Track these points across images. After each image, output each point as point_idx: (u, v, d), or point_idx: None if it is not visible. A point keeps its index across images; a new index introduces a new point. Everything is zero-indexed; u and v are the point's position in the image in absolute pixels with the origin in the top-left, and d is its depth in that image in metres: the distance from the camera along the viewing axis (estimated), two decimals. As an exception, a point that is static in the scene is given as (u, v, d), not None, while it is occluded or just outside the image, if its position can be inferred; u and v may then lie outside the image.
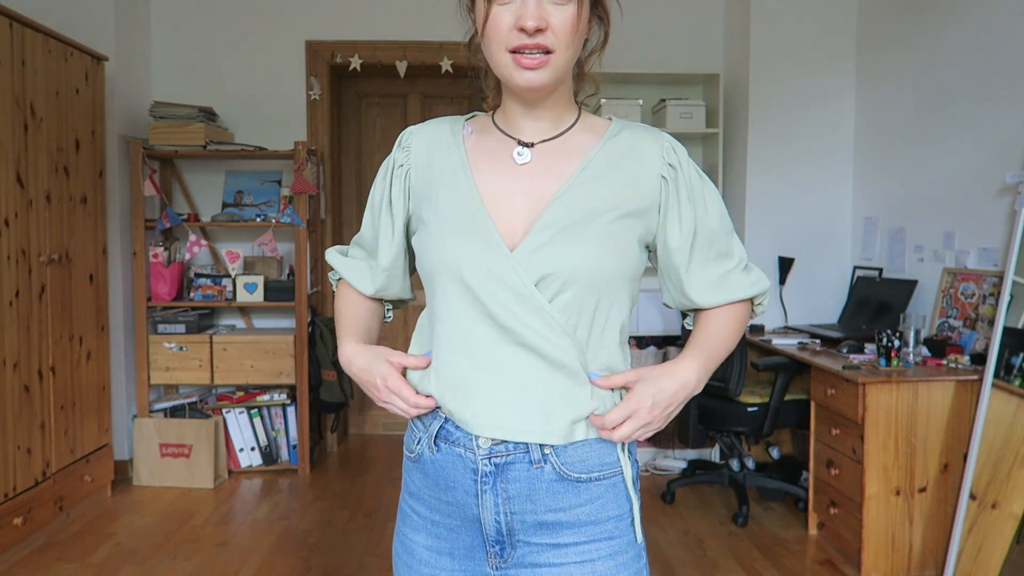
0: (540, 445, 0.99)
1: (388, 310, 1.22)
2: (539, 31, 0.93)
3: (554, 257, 0.98)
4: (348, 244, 1.23)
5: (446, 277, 1.01)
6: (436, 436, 1.04)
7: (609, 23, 1.05)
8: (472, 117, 1.12)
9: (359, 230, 1.20)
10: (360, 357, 1.08)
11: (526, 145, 1.03)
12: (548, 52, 0.95)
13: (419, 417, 1.07)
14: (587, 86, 1.10)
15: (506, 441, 0.99)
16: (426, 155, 1.07)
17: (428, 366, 1.02)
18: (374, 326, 1.16)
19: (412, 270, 1.17)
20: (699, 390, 1.04)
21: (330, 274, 1.23)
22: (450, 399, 1.02)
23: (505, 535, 1.02)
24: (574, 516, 1.00)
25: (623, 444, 1.03)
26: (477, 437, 1.00)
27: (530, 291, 0.97)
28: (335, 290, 1.23)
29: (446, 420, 1.04)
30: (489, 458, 1.00)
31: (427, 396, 1.03)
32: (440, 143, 1.07)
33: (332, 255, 1.20)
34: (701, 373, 1.03)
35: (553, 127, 1.04)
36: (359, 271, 1.16)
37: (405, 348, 1.17)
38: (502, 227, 1.00)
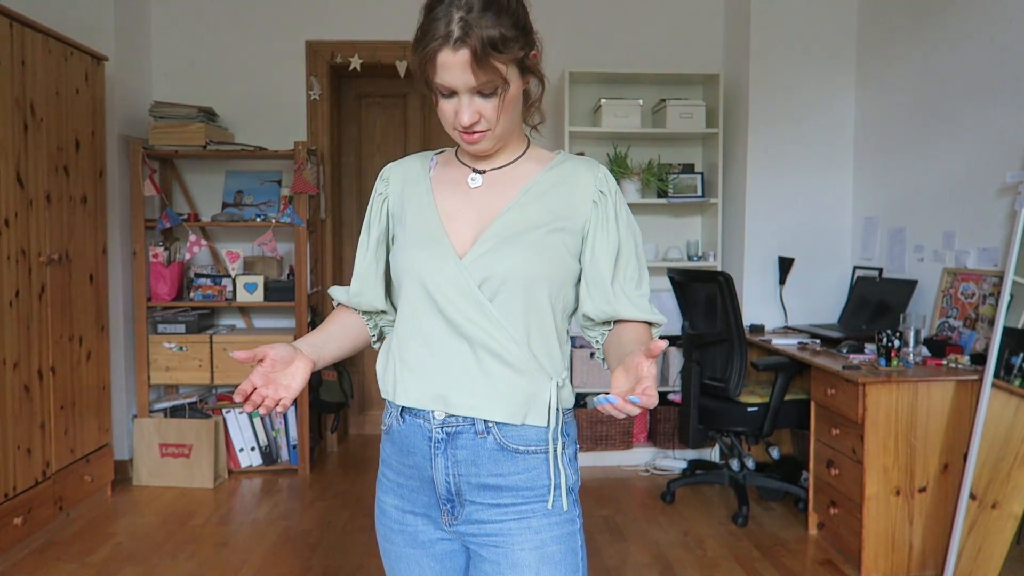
0: (484, 420, 1.17)
1: (373, 340, 1.37)
2: (474, 123, 1.16)
3: (494, 263, 1.17)
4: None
5: (409, 280, 1.21)
6: (403, 410, 1.23)
7: (543, 80, 1.24)
8: (441, 152, 1.34)
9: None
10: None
11: (479, 172, 1.25)
12: (485, 132, 1.17)
13: (387, 396, 1.26)
14: (534, 115, 1.28)
15: (454, 415, 1.18)
16: (401, 184, 1.30)
17: (256, 359, 1.15)
18: (329, 342, 1.29)
19: (387, 282, 1.35)
20: None
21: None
22: (408, 379, 1.21)
23: (454, 494, 1.20)
24: (512, 481, 1.19)
25: (556, 426, 1.19)
26: (432, 411, 1.19)
27: (473, 291, 1.16)
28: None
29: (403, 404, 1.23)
30: (442, 427, 1.19)
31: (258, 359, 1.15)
32: (412, 174, 1.30)
33: (333, 290, 1.38)
34: None
35: (503, 159, 1.26)
36: (339, 289, 1.37)
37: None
38: (454, 239, 1.20)
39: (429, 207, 1.25)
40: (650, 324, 1.27)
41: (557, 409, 1.19)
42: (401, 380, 1.22)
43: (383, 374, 1.27)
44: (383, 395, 1.27)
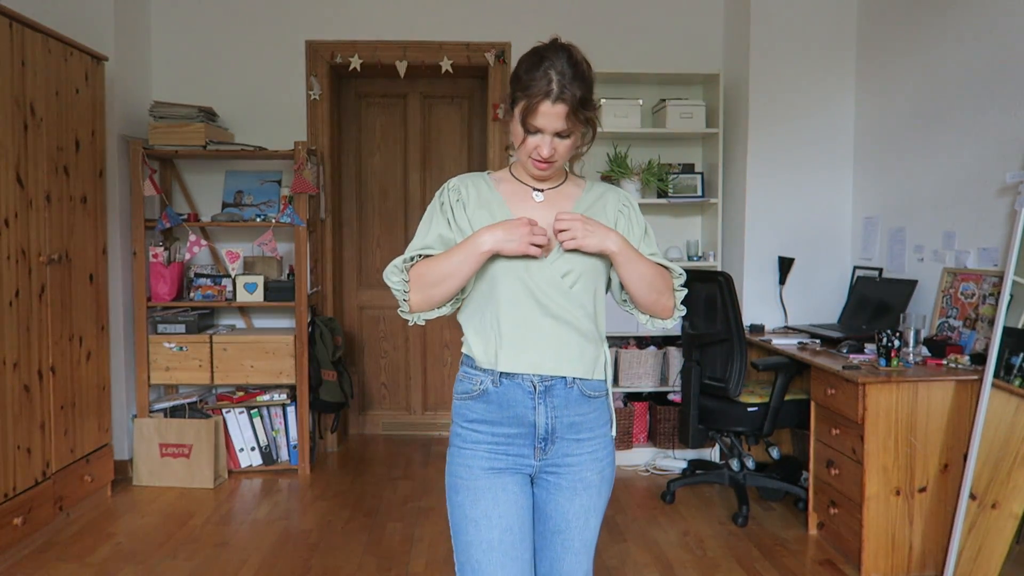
0: (573, 376, 1.56)
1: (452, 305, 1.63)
2: (550, 156, 1.52)
3: (572, 260, 1.54)
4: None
5: (506, 275, 1.53)
6: (500, 375, 1.54)
7: (595, 127, 1.58)
8: (489, 173, 1.66)
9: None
10: (497, 224, 1.51)
11: (540, 191, 1.61)
12: (554, 163, 1.54)
13: (480, 368, 1.56)
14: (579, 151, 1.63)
15: (550, 375, 1.54)
16: (475, 195, 1.59)
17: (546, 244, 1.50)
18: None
19: None
20: (615, 251, 1.52)
21: (392, 278, 1.58)
22: (508, 351, 1.53)
23: (549, 432, 1.56)
24: (588, 419, 1.59)
25: (608, 381, 1.64)
26: (531, 374, 1.54)
27: (560, 282, 1.54)
28: (406, 297, 1.58)
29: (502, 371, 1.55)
30: (542, 383, 1.54)
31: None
32: (481, 189, 1.60)
33: (398, 264, 1.58)
34: (623, 245, 1.53)
35: (554, 182, 1.63)
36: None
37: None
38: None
39: (508, 216, 1.55)
40: (671, 273, 1.63)
41: (608, 364, 1.64)
42: (504, 353, 1.53)
43: (483, 348, 1.56)
44: (484, 364, 1.56)
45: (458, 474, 1.58)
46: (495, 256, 1.51)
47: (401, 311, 1.61)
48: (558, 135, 1.49)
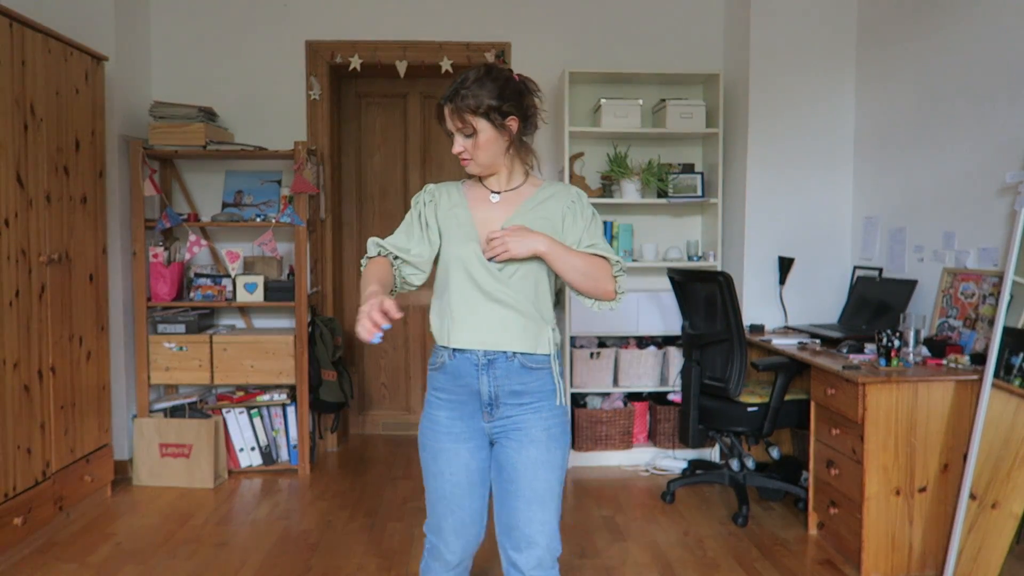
0: (512, 351, 1.80)
1: (394, 291, 1.86)
2: (460, 153, 1.82)
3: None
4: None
5: (455, 266, 1.81)
6: (454, 351, 1.81)
7: (526, 116, 1.84)
8: (464, 181, 1.95)
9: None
10: (373, 292, 1.67)
11: (496, 192, 1.88)
12: (468, 160, 1.83)
13: (444, 346, 1.83)
14: (530, 158, 1.91)
15: (492, 350, 1.80)
16: (447, 198, 1.89)
17: (398, 317, 1.63)
18: (389, 283, 1.81)
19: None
20: (543, 252, 1.74)
21: (364, 258, 1.88)
22: (459, 330, 1.80)
23: (493, 399, 1.81)
24: (530, 387, 1.82)
25: (552, 356, 1.86)
26: (477, 349, 1.80)
27: (498, 274, 1.79)
28: (363, 268, 1.85)
29: (455, 347, 1.81)
30: (484, 357, 1.80)
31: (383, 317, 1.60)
32: (452, 193, 1.90)
33: (373, 243, 1.87)
34: (551, 245, 1.75)
35: (507, 184, 1.89)
36: (378, 241, 1.88)
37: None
38: (483, 237, 1.80)
39: (467, 217, 1.85)
40: (608, 261, 1.83)
41: (552, 342, 1.85)
42: (454, 332, 1.80)
43: (440, 328, 1.84)
44: (439, 342, 1.84)
45: (424, 435, 1.88)
46: (449, 251, 1.83)
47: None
48: (462, 134, 1.79)
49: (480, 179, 1.90)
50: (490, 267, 1.78)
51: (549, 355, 1.84)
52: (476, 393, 1.81)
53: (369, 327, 1.57)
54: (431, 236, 1.86)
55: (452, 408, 1.84)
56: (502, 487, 1.83)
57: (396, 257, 1.86)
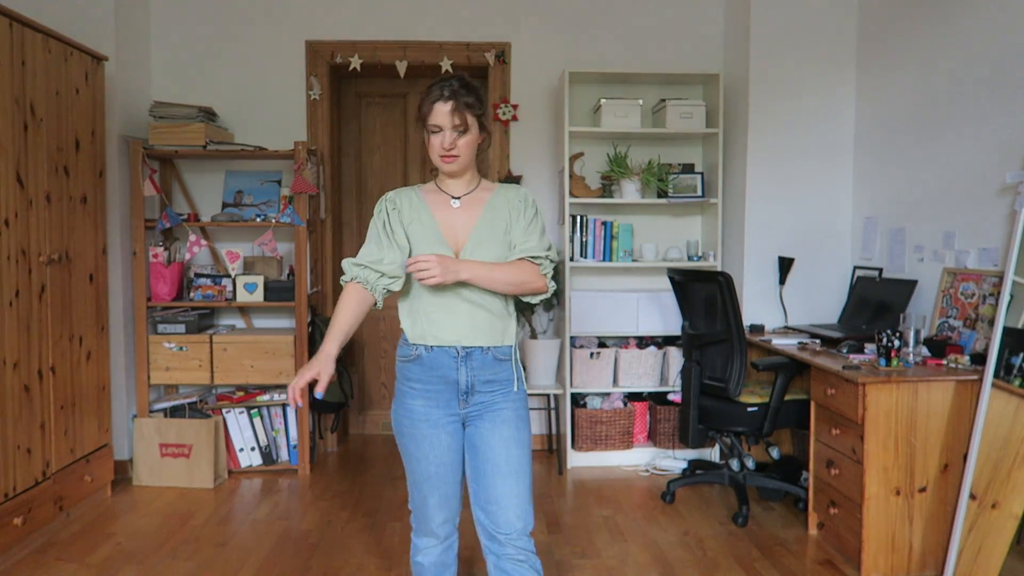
0: (485, 345, 1.98)
1: (378, 304, 2.02)
2: (451, 149, 1.93)
3: (479, 255, 1.95)
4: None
5: None
6: (430, 347, 1.96)
7: (490, 134, 2.05)
8: (420, 187, 2.07)
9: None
10: (321, 356, 1.89)
11: (457, 198, 2.02)
12: (456, 156, 1.95)
13: (417, 341, 1.98)
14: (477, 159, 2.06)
15: (469, 345, 1.97)
16: (408, 205, 2.01)
17: (326, 380, 1.86)
18: (354, 327, 1.99)
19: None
20: (468, 278, 1.89)
21: (343, 278, 2.02)
22: (435, 330, 1.97)
23: (469, 387, 1.98)
24: (499, 376, 2.00)
25: (514, 347, 2.04)
26: (454, 345, 1.96)
27: None
28: (343, 287, 2.01)
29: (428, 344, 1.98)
30: (461, 350, 1.96)
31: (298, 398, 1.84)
32: (412, 200, 2.02)
33: (348, 265, 2.00)
34: (474, 269, 1.90)
35: (466, 188, 2.04)
36: (352, 264, 2.00)
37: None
38: (450, 241, 1.98)
39: (431, 222, 1.98)
40: (535, 261, 2.00)
41: (514, 334, 2.05)
42: (429, 331, 1.96)
43: (412, 328, 1.99)
44: (413, 340, 1.98)
45: (402, 423, 2.01)
46: (416, 253, 1.96)
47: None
48: (457, 131, 1.92)
49: (437, 184, 2.05)
50: None
51: (512, 346, 2.04)
52: (454, 382, 1.97)
53: (291, 400, 1.81)
54: (399, 241, 1.98)
55: (427, 397, 1.98)
56: (478, 466, 1.98)
57: (374, 271, 1.97)
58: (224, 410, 4.02)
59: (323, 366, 1.84)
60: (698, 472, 3.76)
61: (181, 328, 3.95)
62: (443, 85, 1.92)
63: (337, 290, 4.65)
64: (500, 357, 2.00)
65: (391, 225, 1.98)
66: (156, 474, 3.85)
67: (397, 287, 2.00)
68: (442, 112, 1.90)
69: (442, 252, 1.91)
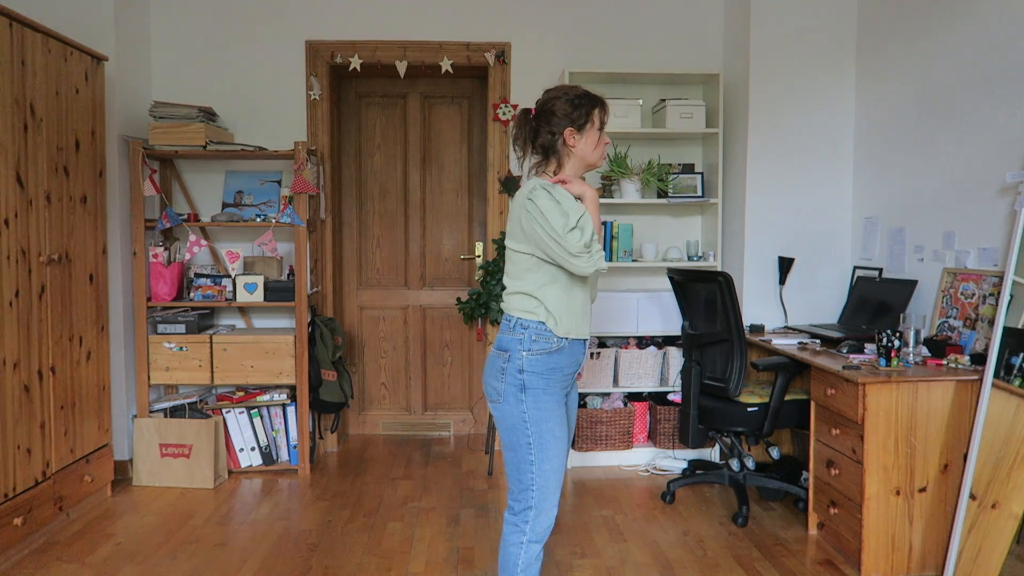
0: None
1: None
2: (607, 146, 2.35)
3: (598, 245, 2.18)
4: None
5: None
6: (570, 339, 2.14)
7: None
8: (546, 182, 2.17)
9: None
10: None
11: (578, 199, 2.20)
12: None
13: (563, 333, 2.12)
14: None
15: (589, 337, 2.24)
16: (566, 199, 2.14)
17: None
18: None
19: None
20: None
21: (599, 265, 2.12)
22: (579, 326, 2.17)
23: (582, 367, 2.26)
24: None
25: None
26: (587, 338, 2.22)
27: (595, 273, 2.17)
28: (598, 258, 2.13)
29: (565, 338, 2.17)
30: (588, 342, 2.30)
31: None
32: (564, 194, 2.16)
33: (599, 257, 2.13)
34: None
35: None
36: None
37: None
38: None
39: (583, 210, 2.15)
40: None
41: None
42: (576, 325, 2.15)
43: (567, 324, 2.12)
44: (563, 334, 2.12)
45: (546, 406, 2.11)
46: None
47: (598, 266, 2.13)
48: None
49: (562, 181, 2.15)
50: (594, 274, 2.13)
51: None
52: (579, 365, 2.23)
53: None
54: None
55: (565, 379, 2.18)
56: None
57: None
58: (224, 410, 4.02)
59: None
60: (698, 472, 3.76)
61: (181, 328, 3.95)
62: (592, 92, 2.23)
63: (337, 290, 4.65)
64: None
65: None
66: (156, 474, 3.85)
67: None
68: (607, 110, 2.23)
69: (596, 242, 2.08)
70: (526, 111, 2.22)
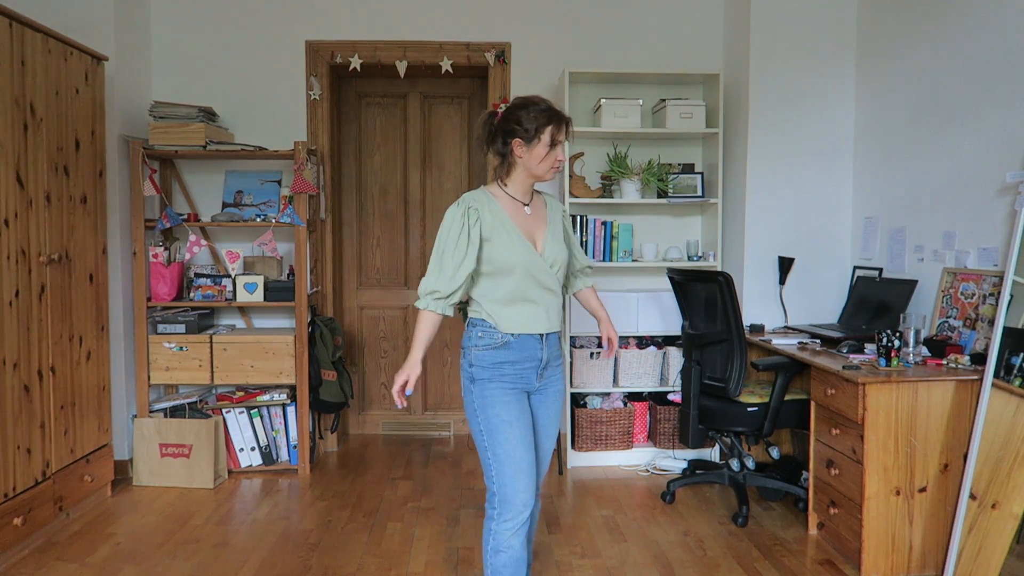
0: (556, 331, 2.32)
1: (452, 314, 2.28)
2: (562, 161, 2.29)
3: (555, 254, 2.29)
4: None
5: (518, 268, 2.21)
6: (516, 334, 2.23)
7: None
8: (487, 191, 2.28)
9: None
10: (410, 362, 2.21)
11: (527, 204, 2.30)
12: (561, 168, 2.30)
13: (506, 330, 2.23)
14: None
15: (548, 332, 2.29)
16: (489, 214, 2.22)
17: (414, 380, 2.21)
18: (434, 333, 2.26)
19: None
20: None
21: (418, 304, 2.23)
22: (525, 320, 2.24)
23: (545, 363, 2.30)
24: (559, 354, 2.36)
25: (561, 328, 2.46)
26: (540, 333, 2.26)
27: (550, 270, 2.27)
28: (423, 314, 2.23)
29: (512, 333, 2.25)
30: (545, 336, 2.28)
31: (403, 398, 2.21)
32: (492, 207, 2.23)
33: (428, 300, 2.21)
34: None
35: (531, 196, 2.32)
36: (436, 301, 2.22)
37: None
38: (529, 241, 2.24)
39: (513, 227, 2.23)
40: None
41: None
42: (520, 322, 2.23)
43: (507, 322, 2.22)
44: (506, 331, 2.22)
45: (491, 395, 2.22)
46: (509, 257, 2.20)
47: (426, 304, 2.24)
48: (562, 147, 2.25)
49: (505, 191, 2.27)
50: (545, 266, 2.24)
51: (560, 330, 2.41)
52: (538, 359, 2.27)
53: (396, 400, 2.18)
54: (473, 253, 2.19)
55: (516, 373, 2.25)
56: (535, 432, 2.34)
57: (445, 296, 2.19)
58: (224, 410, 4.02)
59: (412, 370, 2.16)
60: (698, 472, 3.76)
61: (181, 328, 3.95)
62: (549, 105, 2.21)
63: (337, 290, 4.65)
64: (557, 338, 2.36)
65: (472, 237, 2.18)
66: (156, 474, 3.85)
67: (462, 296, 2.24)
68: (566, 130, 2.22)
69: (526, 251, 2.20)
70: (491, 113, 2.28)
